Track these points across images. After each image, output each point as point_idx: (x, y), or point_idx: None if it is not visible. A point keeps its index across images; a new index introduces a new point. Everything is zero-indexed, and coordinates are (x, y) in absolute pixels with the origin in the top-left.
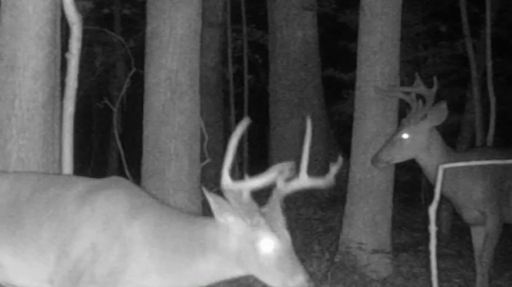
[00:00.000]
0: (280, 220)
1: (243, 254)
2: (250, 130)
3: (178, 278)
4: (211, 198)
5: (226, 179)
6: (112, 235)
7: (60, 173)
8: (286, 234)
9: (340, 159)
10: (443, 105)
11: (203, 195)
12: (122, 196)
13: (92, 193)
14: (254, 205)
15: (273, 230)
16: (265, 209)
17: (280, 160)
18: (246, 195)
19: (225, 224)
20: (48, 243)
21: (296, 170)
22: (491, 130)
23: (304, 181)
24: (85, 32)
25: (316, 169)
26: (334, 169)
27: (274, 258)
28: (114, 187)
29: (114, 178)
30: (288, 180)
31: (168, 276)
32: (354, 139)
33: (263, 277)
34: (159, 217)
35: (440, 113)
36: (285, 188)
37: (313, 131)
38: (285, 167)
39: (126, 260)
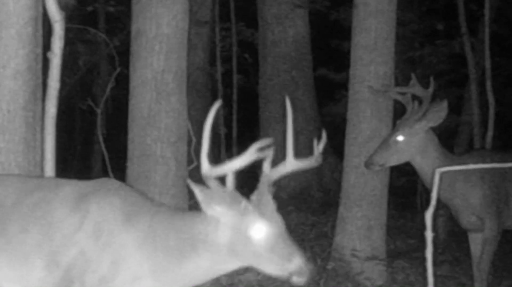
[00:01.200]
0: (270, 204)
1: (236, 244)
2: (240, 132)
3: (172, 279)
4: (197, 189)
5: (205, 165)
6: (104, 242)
7: (43, 176)
8: (278, 218)
9: (325, 136)
10: (444, 104)
11: (190, 199)
12: (114, 200)
13: (83, 198)
14: (238, 193)
15: (263, 215)
16: (253, 196)
17: (271, 162)
18: (230, 183)
19: (214, 215)
20: (34, 249)
21: (283, 155)
22: (490, 133)
23: (291, 164)
24: (67, 30)
25: (309, 172)
26: (319, 147)
27: (268, 244)
28: (105, 191)
29: (104, 180)
30: (275, 165)
31: (161, 278)
32: (347, 142)
33: (261, 266)
34: (151, 219)
35: (439, 113)
36: (272, 172)
37: (304, 130)
38: (264, 144)
39: (117, 267)
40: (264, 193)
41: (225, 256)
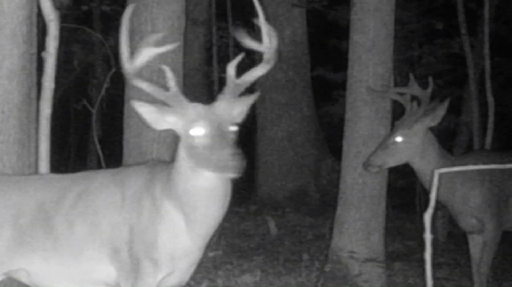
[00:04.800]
0: (220, 107)
1: (187, 148)
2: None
3: (197, 218)
4: (141, 108)
5: (125, 64)
6: (141, 208)
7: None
8: (220, 121)
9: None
10: (445, 104)
11: None
12: (143, 170)
13: (118, 180)
14: (182, 96)
15: (199, 115)
16: (217, 100)
17: (267, 163)
18: (172, 86)
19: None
20: (86, 243)
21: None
22: (489, 133)
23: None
24: (62, 30)
25: (306, 173)
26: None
27: (204, 144)
28: (135, 167)
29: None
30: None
31: (190, 224)
32: (345, 143)
33: (205, 167)
34: (168, 173)
35: (438, 112)
36: (243, 77)
37: (301, 130)
38: (159, 37)
39: (162, 227)
40: (224, 97)
41: (192, 165)
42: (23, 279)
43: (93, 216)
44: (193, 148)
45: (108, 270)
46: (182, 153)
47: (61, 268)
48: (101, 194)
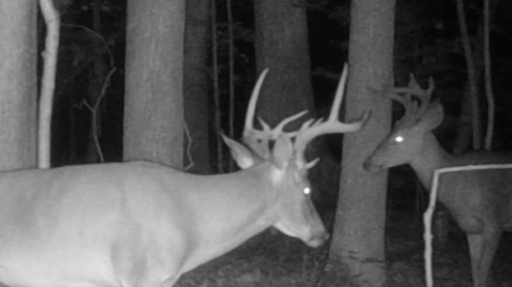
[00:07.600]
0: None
1: (280, 201)
2: (236, 133)
3: (232, 235)
4: (230, 143)
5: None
6: (151, 210)
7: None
8: None
9: (366, 116)
10: (439, 109)
11: None
12: (146, 170)
13: (113, 177)
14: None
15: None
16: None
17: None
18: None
19: (274, 170)
20: (74, 239)
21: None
22: (489, 133)
23: (333, 123)
24: (62, 30)
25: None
26: (365, 116)
27: (306, 205)
28: (133, 166)
29: (127, 161)
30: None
31: (222, 237)
32: (345, 143)
33: (292, 227)
34: (196, 181)
35: (435, 117)
36: (308, 131)
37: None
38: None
39: (181, 232)
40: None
41: (267, 213)
42: (2, 278)
43: (82, 212)
44: (299, 206)
45: (96, 268)
46: (271, 192)
47: (41, 264)
48: (90, 190)
